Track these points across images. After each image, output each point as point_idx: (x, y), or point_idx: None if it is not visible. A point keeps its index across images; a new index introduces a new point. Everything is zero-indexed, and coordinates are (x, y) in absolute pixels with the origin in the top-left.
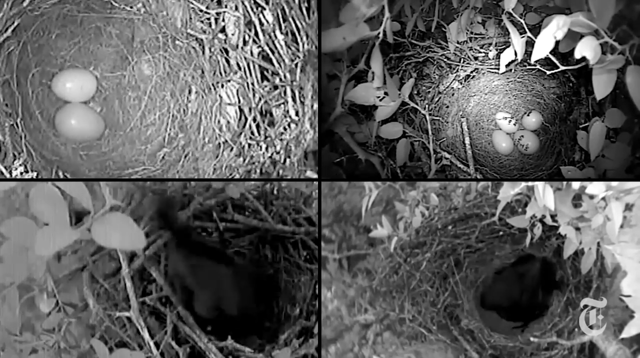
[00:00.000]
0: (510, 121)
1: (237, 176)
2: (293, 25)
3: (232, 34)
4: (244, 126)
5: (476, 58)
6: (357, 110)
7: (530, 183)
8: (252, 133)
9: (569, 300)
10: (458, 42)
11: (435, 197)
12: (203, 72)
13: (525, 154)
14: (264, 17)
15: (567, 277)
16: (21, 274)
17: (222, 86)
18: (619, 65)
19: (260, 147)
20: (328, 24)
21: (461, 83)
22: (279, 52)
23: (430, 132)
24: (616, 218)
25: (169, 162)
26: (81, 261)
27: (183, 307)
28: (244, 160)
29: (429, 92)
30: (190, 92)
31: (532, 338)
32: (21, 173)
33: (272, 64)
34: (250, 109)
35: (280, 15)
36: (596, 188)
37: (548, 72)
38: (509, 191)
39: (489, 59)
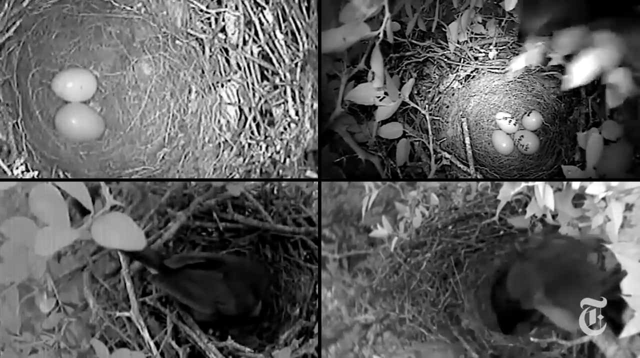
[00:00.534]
0: (510, 121)
1: (237, 176)
2: (293, 25)
3: (232, 34)
4: (244, 126)
5: (476, 58)
6: (357, 110)
7: (530, 184)
8: (252, 133)
9: None
10: (458, 42)
11: (436, 197)
12: (203, 71)
13: (525, 154)
14: (264, 16)
15: None
16: (21, 274)
17: (222, 86)
18: None
19: (260, 146)
20: (328, 24)
21: (461, 83)
22: (279, 52)
23: (430, 132)
24: (616, 219)
25: (169, 161)
26: (81, 261)
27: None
28: (244, 159)
29: (429, 92)
30: (190, 91)
31: (532, 338)
32: (22, 172)
33: (272, 64)
34: (250, 109)
35: (280, 15)
36: (596, 188)
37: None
38: (509, 191)
39: (489, 59)
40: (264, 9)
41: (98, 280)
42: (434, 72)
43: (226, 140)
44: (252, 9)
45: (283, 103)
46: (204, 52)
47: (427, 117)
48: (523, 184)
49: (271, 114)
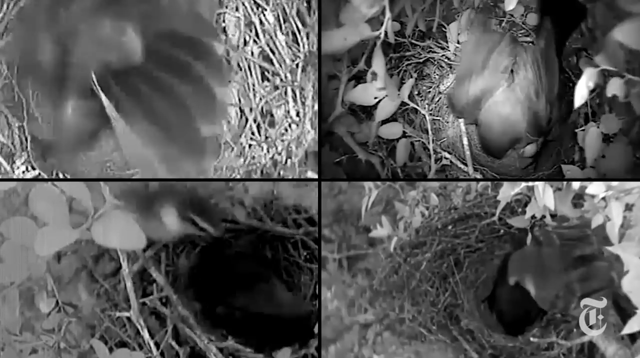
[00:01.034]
0: None
1: (238, 177)
2: (294, 25)
3: (233, 35)
4: (245, 126)
5: None
6: (357, 110)
7: (530, 184)
8: (253, 133)
9: None
10: (458, 42)
11: (435, 197)
12: None
13: (523, 157)
14: (264, 17)
15: None
16: (21, 274)
17: None
18: None
19: (262, 148)
20: (328, 24)
21: None
22: (279, 53)
23: (430, 132)
24: (616, 219)
25: None
26: (81, 261)
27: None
28: (245, 160)
29: (429, 92)
30: None
31: (532, 339)
32: (23, 172)
33: (273, 65)
34: (251, 110)
35: (280, 16)
36: (596, 188)
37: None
38: (509, 191)
39: None
40: (265, 10)
41: (98, 280)
42: (434, 72)
43: (227, 141)
44: (252, 10)
45: (284, 104)
46: None
47: (427, 117)
48: (523, 184)
49: (272, 115)
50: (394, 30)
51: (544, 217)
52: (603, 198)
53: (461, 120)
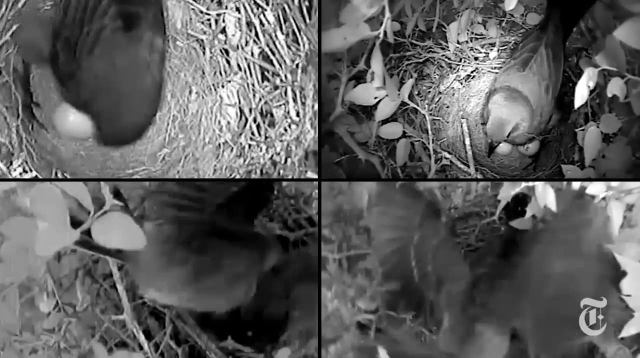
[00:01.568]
0: None
1: (238, 177)
2: (294, 25)
3: (233, 35)
4: (245, 127)
5: (476, 58)
6: (357, 110)
7: (530, 184)
8: (253, 133)
9: None
10: (458, 42)
11: None
12: (203, 72)
13: (525, 154)
14: (264, 17)
15: None
16: (21, 274)
17: (223, 86)
18: None
19: (261, 148)
20: (328, 24)
21: (462, 83)
22: (279, 53)
23: (430, 132)
24: (616, 219)
25: (169, 162)
26: (81, 261)
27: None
28: (245, 160)
29: (429, 92)
30: (190, 92)
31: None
32: (20, 174)
33: (273, 65)
34: (250, 110)
35: (281, 16)
36: (596, 188)
37: None
38: (509, 191)
39: (490, 59)
40: (265, 10)
41: (97, 280)
42: (434, 72)
43: (226, 141)
44: (252, 10)
45: (284, 104)
46: (204, 53)
47: (427, 117)
48: (523, 184)
49: (272, 115)
50: (394, 30)
51: (544, 216)
52: (603, 198)
53: (463, 120)
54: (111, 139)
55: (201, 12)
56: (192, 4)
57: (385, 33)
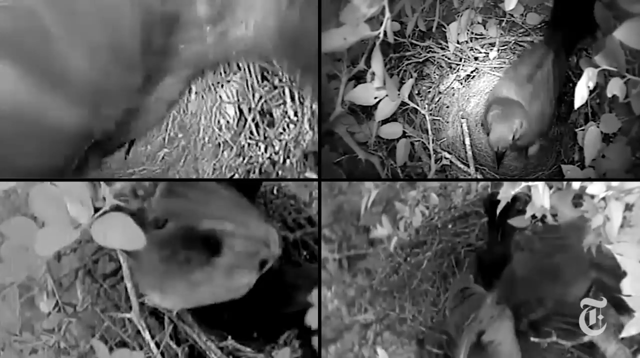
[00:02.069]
0: None
1: (237, 176)
2: None
3: None
4: (244, 126)
5: (476, 58)
6: (357, 110)
7: (530, 184)
8: (252, 133)
9: None
10: (458, 42)
11: (435, 196)
12: (203, 72)
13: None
14: None
15: None
16: (21, 274)
17: (222, 86)
18: None
19: (259, 147)
20: (328, 24)
21: (462, 83)
22: None
23: (430, 132)
24: (616, 219)
25: (169, 162)
26: (81, 261)
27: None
28: (244, 159)
29: (429, 92)
30: (190, 92)
31: (532, 339)
32: None
33: (272, 65)
34: (249, 109)
35: None
36: (596, 188)
37: None
38: (509, 191)
39: (490, 59)
40: None
41: (97, 280)
42: (434, 72)
43: (226, 141)
44: None
45: (282, 104)
46: None
47: (427, 117)
48: (523, 184)
49: (271, 115)
50: (394, 30)
51: (544, 217)
52: (603, 198)
53: (463, 120)
54: None
55: None
56: None
57: (385, 33)
